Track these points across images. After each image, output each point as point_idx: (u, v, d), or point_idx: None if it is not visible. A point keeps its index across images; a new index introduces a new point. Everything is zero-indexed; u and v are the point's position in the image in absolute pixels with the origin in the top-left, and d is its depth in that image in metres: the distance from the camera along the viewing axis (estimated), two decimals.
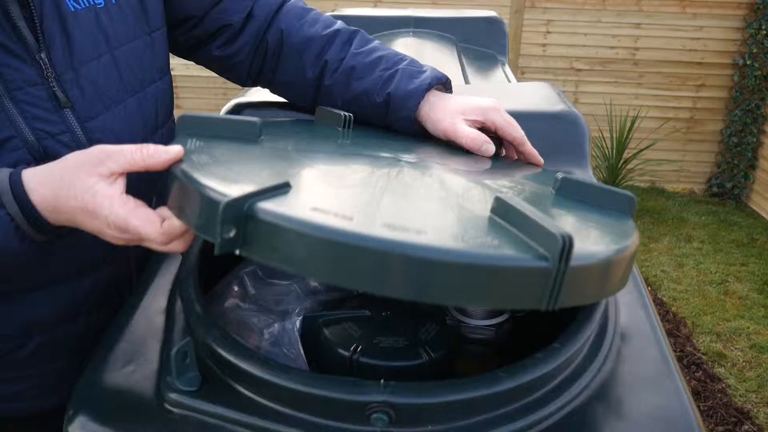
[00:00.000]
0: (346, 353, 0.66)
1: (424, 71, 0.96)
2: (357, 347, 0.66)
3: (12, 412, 0.90)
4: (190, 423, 0.59)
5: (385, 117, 0.96)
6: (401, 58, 0.99)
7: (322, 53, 0.99)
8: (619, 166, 4.67)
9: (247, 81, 1.08)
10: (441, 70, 0.97)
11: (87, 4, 0.82)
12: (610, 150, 4.67)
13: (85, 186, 0.66)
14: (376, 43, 1.02)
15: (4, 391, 0.89)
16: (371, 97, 0.96)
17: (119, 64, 0.87)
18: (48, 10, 0.78)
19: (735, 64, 4.94)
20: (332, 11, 2.18)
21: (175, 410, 0.60)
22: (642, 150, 4.75)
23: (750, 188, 5.04)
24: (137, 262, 0.95)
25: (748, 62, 4.83)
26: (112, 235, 0.67)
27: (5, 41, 0.75)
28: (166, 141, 1.01)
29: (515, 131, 0.91)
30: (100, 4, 0.84)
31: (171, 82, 1.01)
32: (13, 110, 0.75)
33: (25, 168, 0.70)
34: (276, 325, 0.71)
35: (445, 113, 0.92)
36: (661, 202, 4.97)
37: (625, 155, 4.67)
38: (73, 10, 0.81)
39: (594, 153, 4.71)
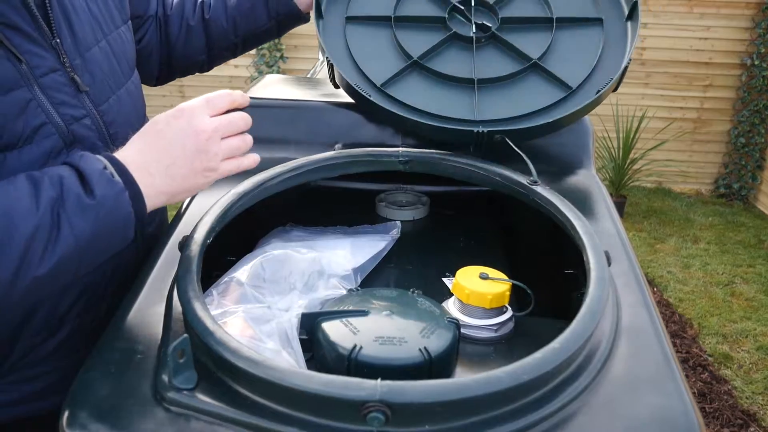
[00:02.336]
0: (345, 351, 0.65)
1: None
2: (355, 345, 0.65)
3: (31, 412, 0.90)
4: (187, 421, 0.59)
5: (267, 10, 1.18)
6: None
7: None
8: (626, 166, 4.65)
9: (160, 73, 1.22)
10: None
11: None
12: (616, 150, 4.65)
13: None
14: None
15: (27, 390, 0.88)
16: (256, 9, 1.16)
17: (114, 50, 0.93)
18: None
19: (743, 64, 4.91)
20: None
21: (171, 408, 0.60)
22: (649, 150, 4.73)
23: (757, 189, 5.01)
24: (144, 242, 0.99)
25: (756, 62, 4.80)
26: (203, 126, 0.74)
27: (27, 28, 0.77)
28: None
29: None
30: None
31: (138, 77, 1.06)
32: (42, 97, 0.78)
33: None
34: (274, 322, 0.70)
35: None
36: (668, 203, 4.95)
37: (632, 156, 4.65)
38: None
39: (600, 153, 4.69)
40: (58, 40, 0.81)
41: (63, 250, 0.67)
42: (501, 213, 1.17)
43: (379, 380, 0.55)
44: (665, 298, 3.47)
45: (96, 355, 0.67)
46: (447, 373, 0.68)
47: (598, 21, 1.13)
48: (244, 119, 0.78)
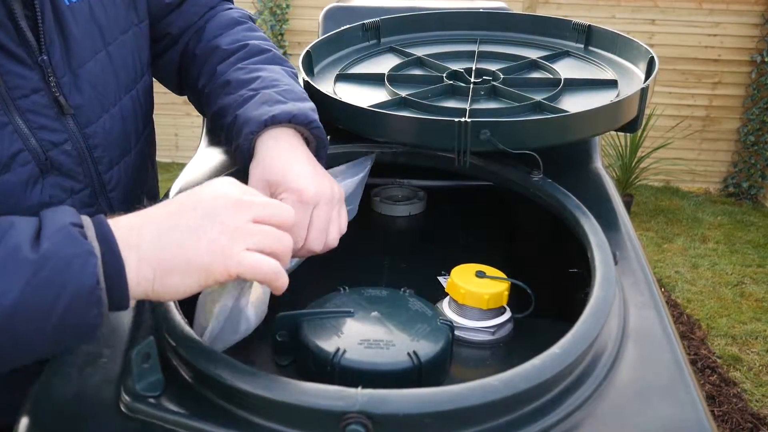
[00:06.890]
0: (327, 355, 0.60)
1: (283, 102, 0.80)
2: (338, 349, 0.60)
3: None
4: (152, 431, 0.54)
5: (232, 142, 0.82)
6: (278, 83, 0.84)
7: (216, 64, 0.91)
8: (633, 165, 4.59)
9: (179, 89, 1.02)
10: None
11: None
12: (623, 148, 4.60)
13: None
14: (275, 67, 0.89)
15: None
16: (225, 116, 0.84)
17: (114, 60, 0.82)
18: (47, 7, 0.72)
19: (752, 61, 4.84)
20: (337, 2, 2.12)
21: (134, 416, 0.55)
22: (656, 149, 4.66)
23: (767, 188, 4.94)
24: None
25: (766, 59, 4.73)
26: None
27: (9, 45, 0.68)
28: (150, 137, 0.97)
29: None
30: None
31: (152, 75, 0.96)
32: (19, 120, 0.70)
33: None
34: (229, 302, 0.64)
35: (259, 175, 0.76)
36: (676, 202, 4.89)
37: (639, 154, 4.59)
38: (68, 3, 0.75)
39: (607, 152, 4.63)
40: (45, 57, 0.71)
41: None
42: (501, 208, 1.13)
43: (359, 388, 0.50)
44: (673, 298, 3.42)
45: (58, 358, 0.62)
46: (438, 379, 0.63)
47: (611, 83, 1.03)
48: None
